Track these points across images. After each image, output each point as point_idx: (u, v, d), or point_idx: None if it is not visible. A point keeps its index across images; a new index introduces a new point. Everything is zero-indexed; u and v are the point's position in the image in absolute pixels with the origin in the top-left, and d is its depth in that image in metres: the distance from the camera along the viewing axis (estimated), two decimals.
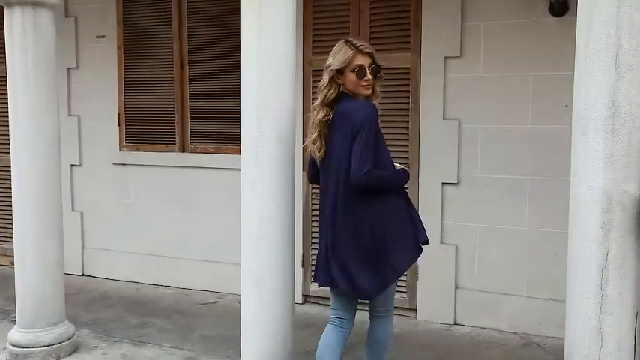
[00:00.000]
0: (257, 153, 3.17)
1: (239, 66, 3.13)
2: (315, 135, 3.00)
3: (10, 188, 3.97)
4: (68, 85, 5.88)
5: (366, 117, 2.85)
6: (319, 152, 3.00)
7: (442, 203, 4.60)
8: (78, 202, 5.99)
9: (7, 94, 3.91)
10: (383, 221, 2.90)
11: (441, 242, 4.63)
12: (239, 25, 3.11)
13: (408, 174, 3.12)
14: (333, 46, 3.04)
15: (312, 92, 4.82)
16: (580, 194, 2.49)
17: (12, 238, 4.04)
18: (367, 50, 2.97)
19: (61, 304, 4.07)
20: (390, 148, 4.48)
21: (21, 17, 3.83)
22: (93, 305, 5.12)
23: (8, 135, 3.94)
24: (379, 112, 2.96)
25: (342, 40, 3.04)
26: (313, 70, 4.91)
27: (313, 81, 4.89)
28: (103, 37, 5.71)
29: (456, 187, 4.57)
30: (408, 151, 4.67)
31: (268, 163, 3.16)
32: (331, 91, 2.97)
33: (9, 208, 4.46)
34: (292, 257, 3.25)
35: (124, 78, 5.70)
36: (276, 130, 3.15)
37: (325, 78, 2.99)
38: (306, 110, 4.63)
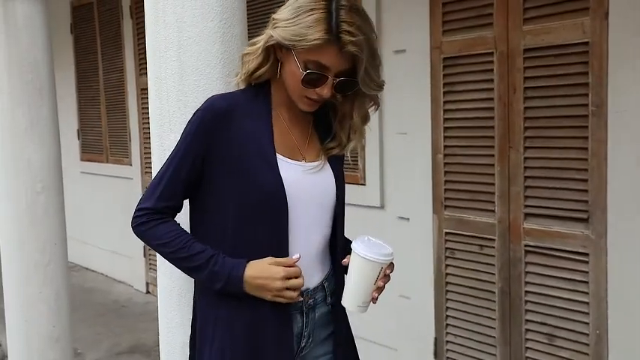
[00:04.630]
0: None
1: None
2: None
3: None
4: None
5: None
6: None
7: None
8: None
9: None
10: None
11: None
12: None
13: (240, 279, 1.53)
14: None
15: (444, 91, 3.14)
16: None
17: None
18: (352, 49, 1.47)
19: None
20: (549, 184, 2.65)
21: None
22: None
23: None
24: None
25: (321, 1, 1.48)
26: (444, 59, 3.16)
27: (444, 74, 3.16)
28: None
29: None
30: (587, 190, 2.64)
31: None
32: (262, 66, 1.56)
33: None
34: None
35: None
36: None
37: (260, 41, 1.54)
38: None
